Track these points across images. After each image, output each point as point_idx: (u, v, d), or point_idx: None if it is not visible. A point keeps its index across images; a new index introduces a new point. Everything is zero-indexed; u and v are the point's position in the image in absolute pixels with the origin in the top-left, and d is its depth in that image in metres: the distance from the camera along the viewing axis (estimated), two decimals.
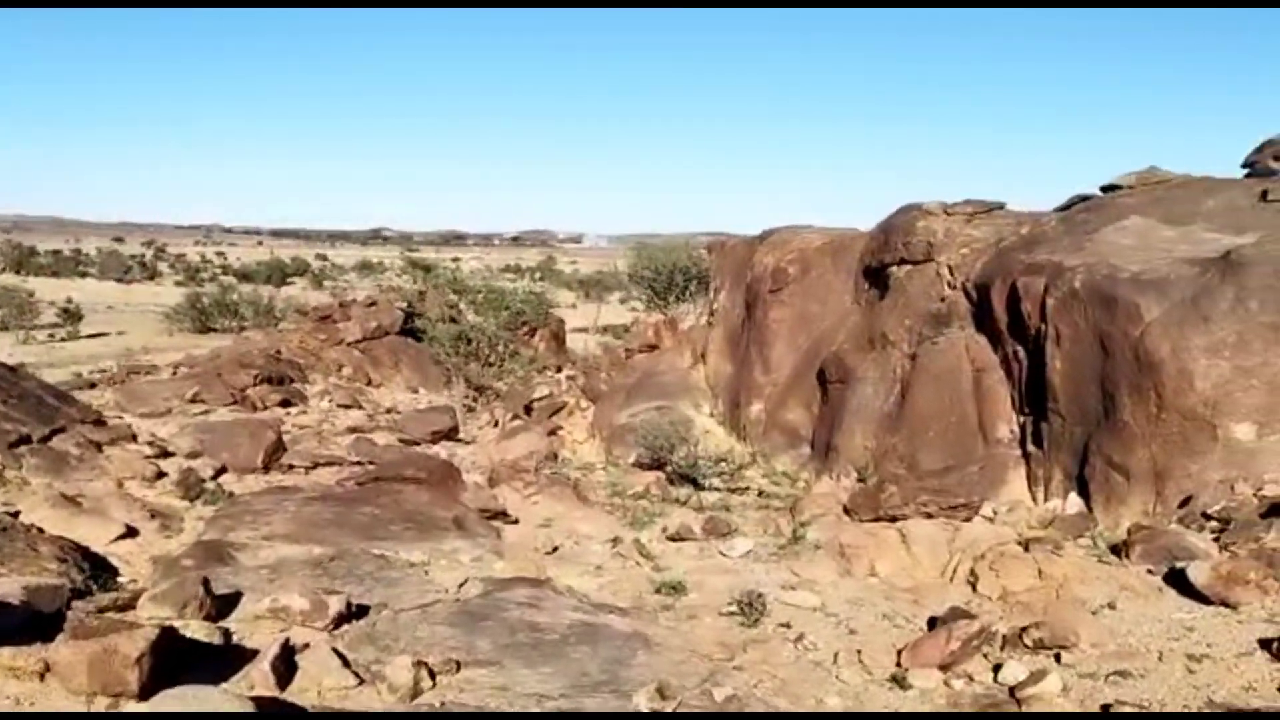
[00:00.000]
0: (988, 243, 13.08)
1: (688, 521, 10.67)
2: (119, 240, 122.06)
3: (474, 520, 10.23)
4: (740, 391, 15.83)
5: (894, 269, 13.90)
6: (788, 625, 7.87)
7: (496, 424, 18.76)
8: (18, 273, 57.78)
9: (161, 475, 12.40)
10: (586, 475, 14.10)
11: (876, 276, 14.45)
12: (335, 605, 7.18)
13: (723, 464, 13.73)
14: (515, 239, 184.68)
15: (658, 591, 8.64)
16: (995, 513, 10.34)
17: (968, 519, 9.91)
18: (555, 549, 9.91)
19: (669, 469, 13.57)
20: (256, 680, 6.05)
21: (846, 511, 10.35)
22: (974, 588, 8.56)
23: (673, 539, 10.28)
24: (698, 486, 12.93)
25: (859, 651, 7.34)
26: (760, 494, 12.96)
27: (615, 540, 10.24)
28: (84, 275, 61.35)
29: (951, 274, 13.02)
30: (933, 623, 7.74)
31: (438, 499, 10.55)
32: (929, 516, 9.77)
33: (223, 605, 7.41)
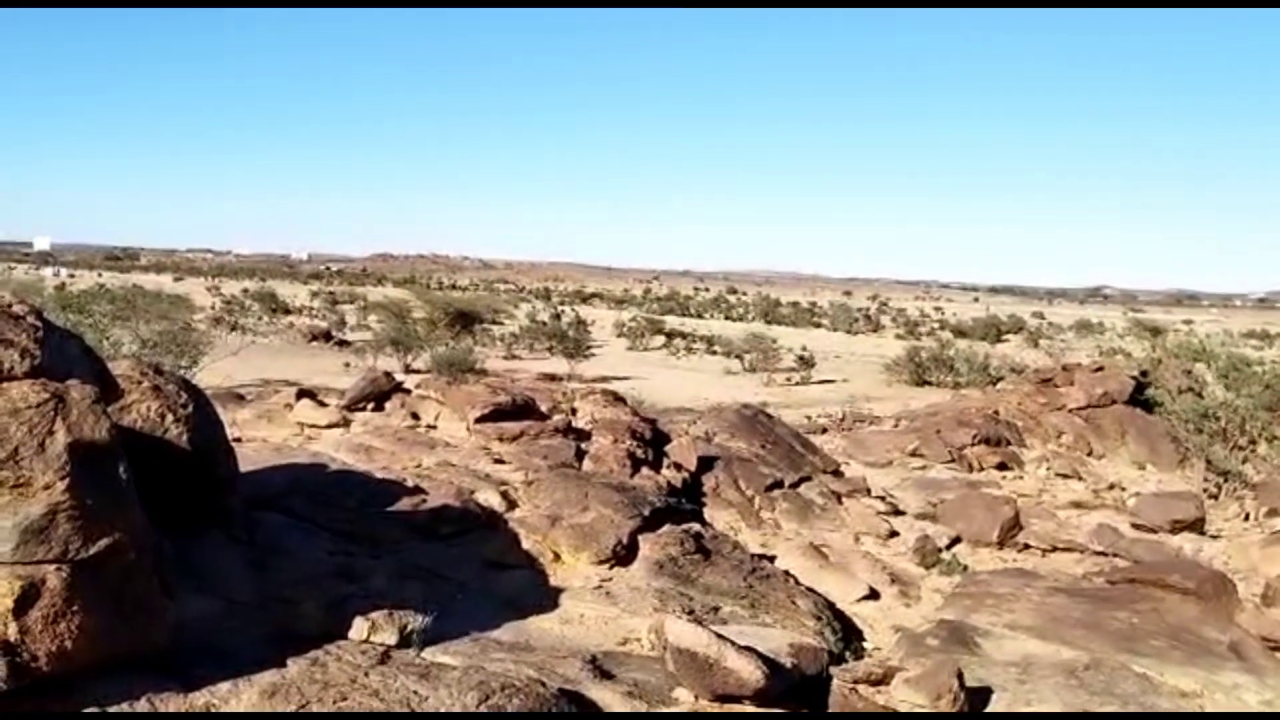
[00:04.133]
0: None
1: None
2: (847, 294, 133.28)
3: (1256, 650, 8.51)
4: None
5: None
6: None
7: (1247, 518, 16.05)
8: (765, 321, 65.58)
9: (894, 534, 12.55)
10: None
11: None
12: None
13: None
14: (1262, 300, 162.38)
15: None
16: None
17: None
18: None
19: None
20: None
21: None
22: None
23: None
24: None
25: None
26: None
27: None
28: (817, 325, 67.49)
29: None
30: None
31: (1208, 616, 9.00)
32: None
33: (974, 701, 6.97)
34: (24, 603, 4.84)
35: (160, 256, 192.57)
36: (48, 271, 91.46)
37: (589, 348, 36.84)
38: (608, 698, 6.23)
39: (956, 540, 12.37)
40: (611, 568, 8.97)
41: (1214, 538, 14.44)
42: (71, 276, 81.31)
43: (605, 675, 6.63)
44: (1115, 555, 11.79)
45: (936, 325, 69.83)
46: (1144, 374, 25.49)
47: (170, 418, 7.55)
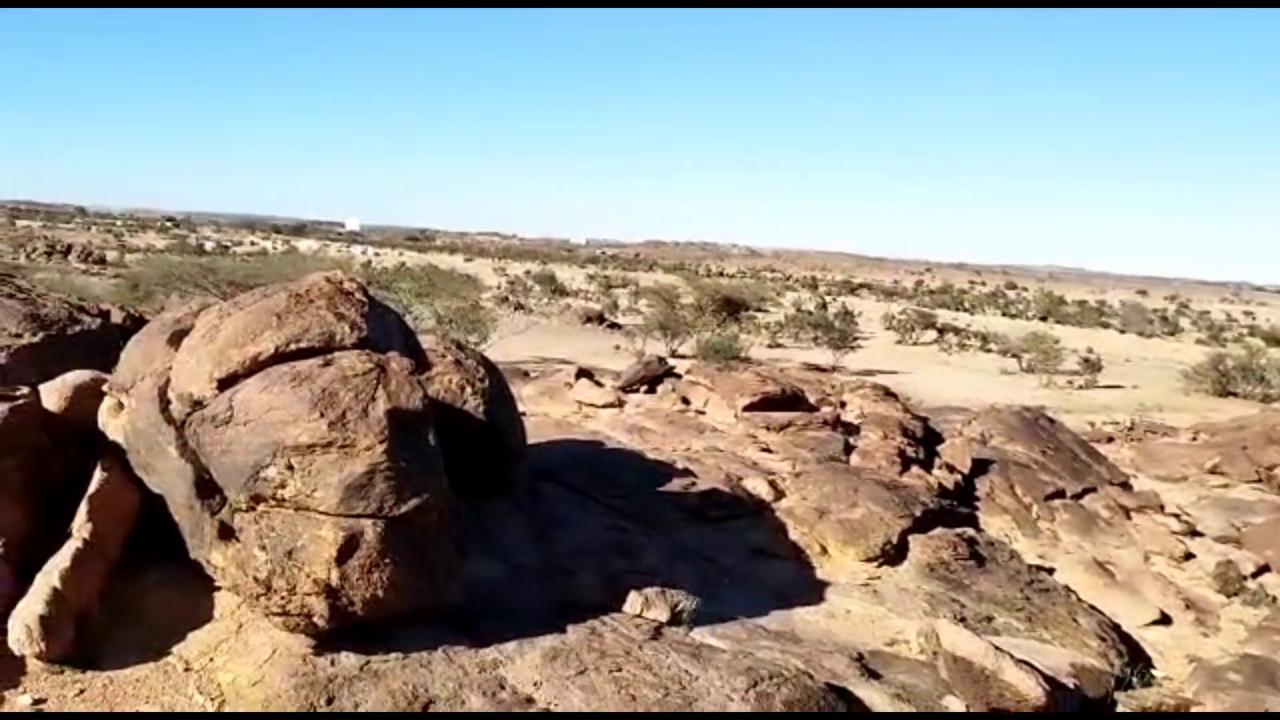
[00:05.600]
0: None
1: None
2: (1142, 293, 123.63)
3: None
4: None
5: None
6: None
7: None
8: (1046, 319, 62.02)
9: (1189, 556, 11.55)
10: None
11: None
12: None
13: None
14: None
15: None
16: None
17: None
18: None
19: None
20: None
21: None
22: None
23: None
24: None
25: None
26: None
27: None
28: (1105, 326, 63.06)
29: None
30: None
31: None
32: None
33: None
34: (346, 551, 5.37)
35: (453, 239, 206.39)
36: (356, 250, 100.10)
37: (855, 339, 36.20)
38: (875, 698, 6.14)
39: (1264, 569, 11.20)
40: (880, 566, 8.81)
41: None
42: (377, 255, 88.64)
43: (872, 674, 6.53)
44: None
45: (1245, 330, 63.33)
46: None
47: (469, 390, 8.10)
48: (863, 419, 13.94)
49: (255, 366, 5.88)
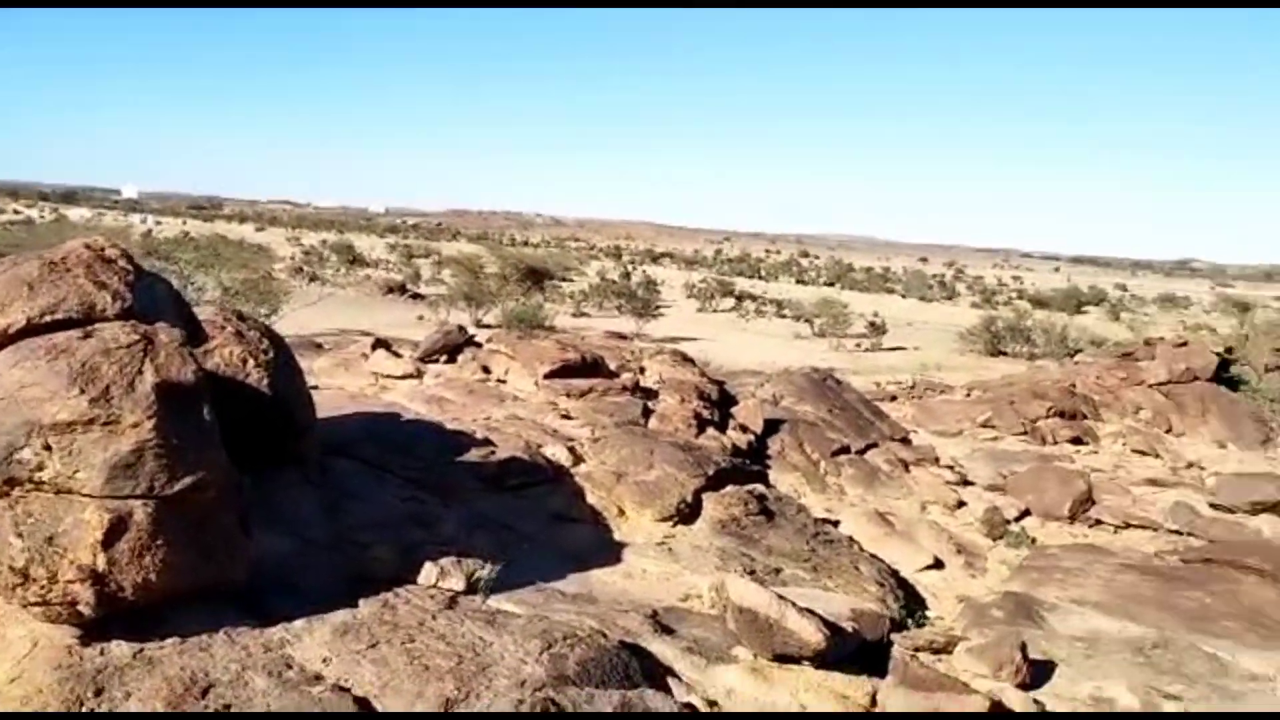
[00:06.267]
0: None
1: None
2: (923, 260, 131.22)
3: None
4: None
5: None
6: None
7: None
8: (836, 286, 64.93)
9: (961, 505, 12.43)
10: None
11: None
12: None
13: None
14: None
15: None
16: None
17: None
18: None
19: None
20: None
21: None
22: None
23: None
24: None
25: None
26: None
27: None
28: (890, 292, 66.60)
29: None
30: None
31: None
32: None
33: (1036, 674, 6.91)
34: (112, 535, 5.05)
35: (243, 207, 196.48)
36: (135, 218, 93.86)
37: (658, 307, 36.85)
38: (668, 652, 6.32)
39: (1026, 513, 12.21)
40: (675, 525, 9.05)
41: None
42: (158, 224, 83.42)
43: (666, 630, 6.71)
44: (1190, 535, 11.53)
45: (1014, 295, 68.36)
46: (1230, 351, 24.70)
47: (252, 363, 7.75)
48: (661, 384, 14.22)
49: (4, 340, 5.43)
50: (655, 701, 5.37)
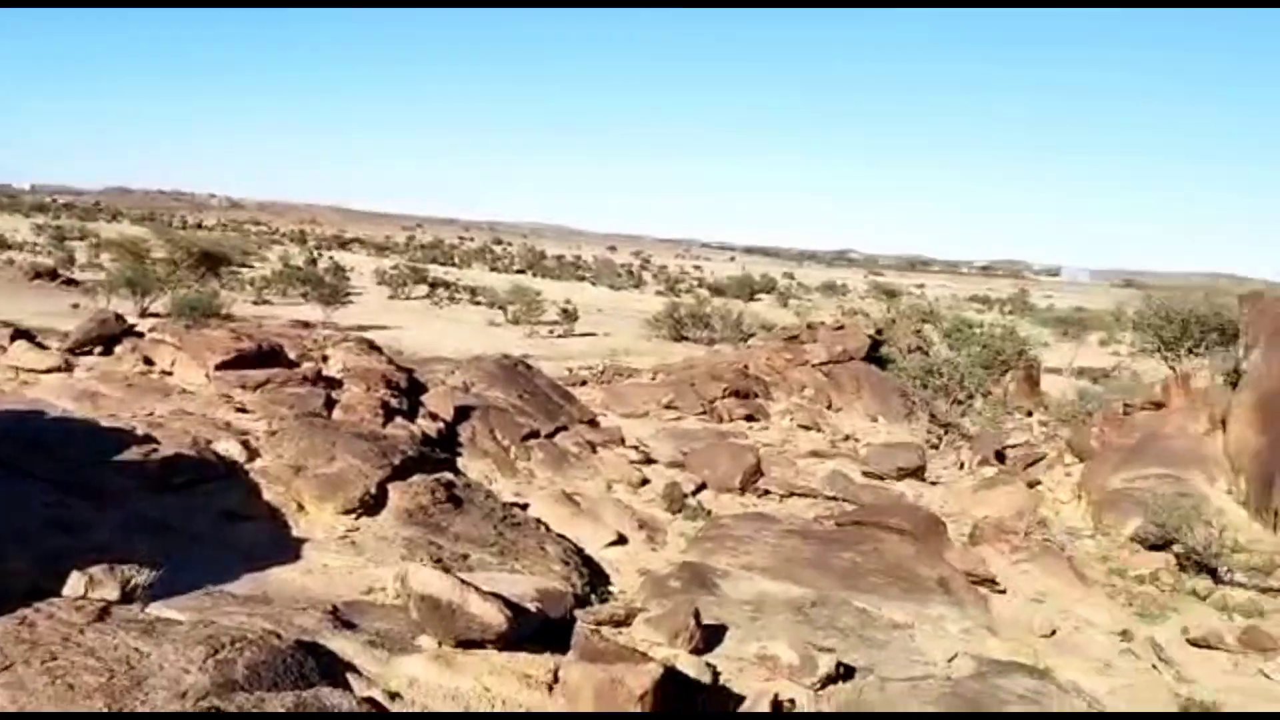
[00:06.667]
0: None
1: (1215, 626, 9.05)
2: (612, 249, 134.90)
3: (960, 584, 9.43)
4: (1275, 472, 13.37)
5: None
6: None
7: (962, 466, 17.67)
8: (530, 274, 65.52)
9: (645, 482, 12.94)
10: (1072, 543, 12.66)
11: None
12: (825, 665, 6.80)
13: (1249, 556, 11.59)
14: (985, 268, 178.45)
15: (1186, 710, 7.32)
16: None
17: None
18: (1053, 632, 8.82)
19: (1179, 552, 11.72)
20: None
21: None
22: None
23: (1196, 644, 8.75)
24: (1216, 579, 11.02)
25: None
26: None
27: (1124, 634, 8.93)
28: (581, 279, 68.02)
29: None
30: None
31: (922, 554, 9.87)
32: None
33: (709, 638, 7.33)
34: None
35: None
36: None
37: (347, 295, 35.60)
38: (348, 647, 6.13)
39: (703, 487, 12.91)
40: (358, 518, 8.79)
41: (933, 484, 15.80)
42: None
43: (347, 625, 6.51)
44: (845, 500, 12.68)
45: (695, 283, 71.92)
46: (879, 333, 27.41)
47: None
48: (346, 373, 13.74)
49: None
50: (333, 699, 5.18)
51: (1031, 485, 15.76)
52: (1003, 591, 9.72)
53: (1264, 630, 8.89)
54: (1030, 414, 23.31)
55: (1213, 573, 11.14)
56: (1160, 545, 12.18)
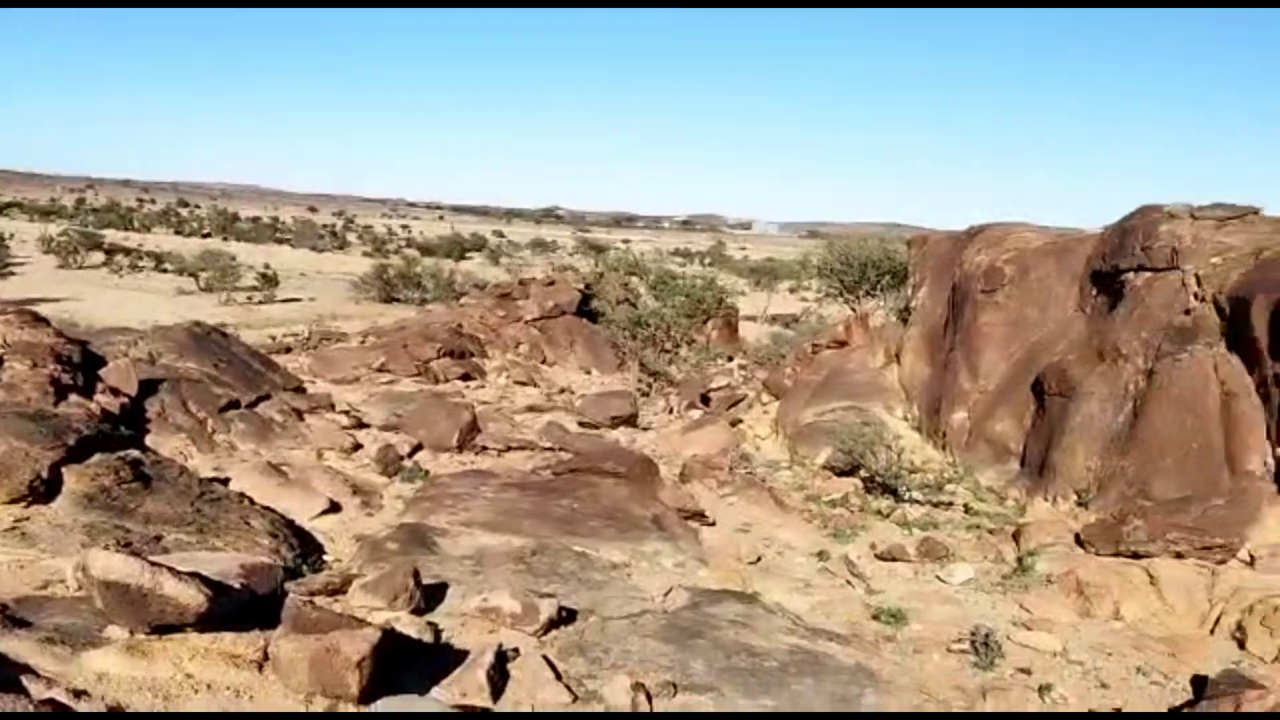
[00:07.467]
0: (1243, 252, 11.74)
1: (898, 540, 9.97)
2: (313, 210, 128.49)
3: (673, 520, 9.80)
4: (941, 397, 14.85)
5: (1130, 276, 12.66)
6: (1027, 671, 7.11)
7: (671, 411, 18.41)
8: (222, 238, 61.23)
9: (358, 447, 12.51)
10: (772, 474, 13.54)
11: (1107, 283, 13.22)
12: (546, 610, 6.86)
13: (924, 475, 12.87)
14: (685, 223, 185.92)
15: (875, 618, 8.01)
16: (1254, 556, 9.19)
17: (1222, 561, 8.84)
18: (759, 559, 9.38)
19: (865, 475, 12.82)
20: (470, 689, 5.74)
21: (1079, 542, 9.42)
22: (1241, 644, 7.57)
23: (882, 558, 9.60)
24: (898, 498, 12.15)
25: (1119, 710, 6.53)
26: (967, 510, 12.07)
27: (821, 554, 9.64)
28: (280, 242, 64.37)
29: (1199, 285, 11.74)
30: (1199, 684, 6.83)
31: (636, 495, 10.17)
32: (1179, 556, 8.77)
33: (430, 597, 7.20)
34: None
35: None
36: None
37: (7, 264, 31.87)
38: (22, 647, 5.49)
39: (419, 448, 12.65)
40: (29, 506, 7.89)
41: (645, 429, 16.34)
42: None
43: (19, 624, 5.83)
44: (562, 449, 12.84)
45: (404, 243, 70.02)
46: (589, 287, 27.87)
47: None
48: (7, 349, 12.25)
49: None
50: (3, 705, 4.63)
51: (734, 424, 16.65)
52: (712, 524, 10.22)
53: (937, 540, 9.89)
54: (731, 359, 24.54)
55: (894, 492, 12.26)
56: (849, 471, 13.27)
